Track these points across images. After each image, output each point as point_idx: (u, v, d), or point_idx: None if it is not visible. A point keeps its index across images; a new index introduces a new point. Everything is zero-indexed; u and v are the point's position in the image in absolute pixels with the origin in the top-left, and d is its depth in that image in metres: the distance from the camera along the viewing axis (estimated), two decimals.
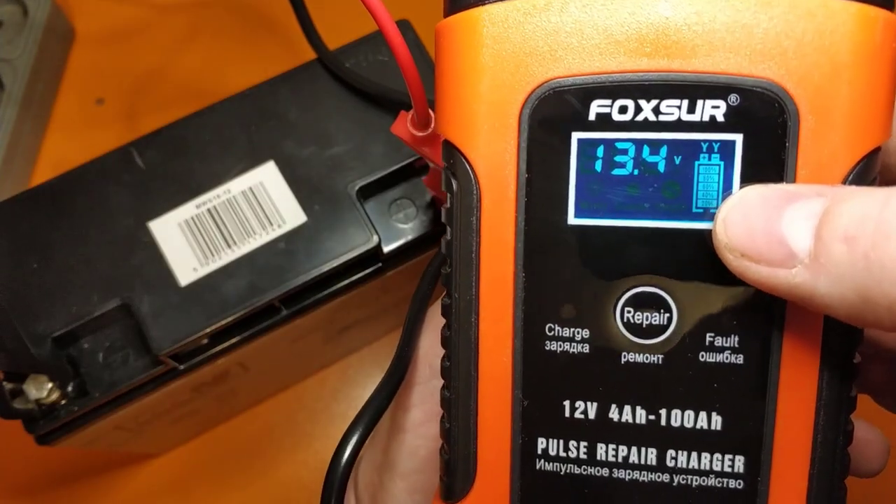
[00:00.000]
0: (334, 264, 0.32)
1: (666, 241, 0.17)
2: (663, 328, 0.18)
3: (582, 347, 0.18)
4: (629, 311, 0.18)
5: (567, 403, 0.18)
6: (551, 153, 0.17)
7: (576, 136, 0.17)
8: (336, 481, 0.21)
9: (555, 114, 0.17)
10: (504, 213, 0.18)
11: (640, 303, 0.18)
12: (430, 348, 0.25)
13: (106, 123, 0.50)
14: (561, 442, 0.18)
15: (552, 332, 0.18)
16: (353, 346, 0.46)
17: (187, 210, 0.32)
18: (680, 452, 0.18)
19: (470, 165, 0.18)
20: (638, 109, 0.17)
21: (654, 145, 0.17)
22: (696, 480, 0.18)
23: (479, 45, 0.17)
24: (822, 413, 0.17)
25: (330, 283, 0.33)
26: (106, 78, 0.51)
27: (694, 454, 0.18)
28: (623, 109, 0.17)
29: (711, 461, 0.18)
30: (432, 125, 0.25)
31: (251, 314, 0.32)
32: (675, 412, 0.18)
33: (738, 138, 0.17)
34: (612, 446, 0.18)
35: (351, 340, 0.44)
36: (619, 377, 0.18)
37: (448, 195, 0.19)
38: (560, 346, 0.18)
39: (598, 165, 0.17)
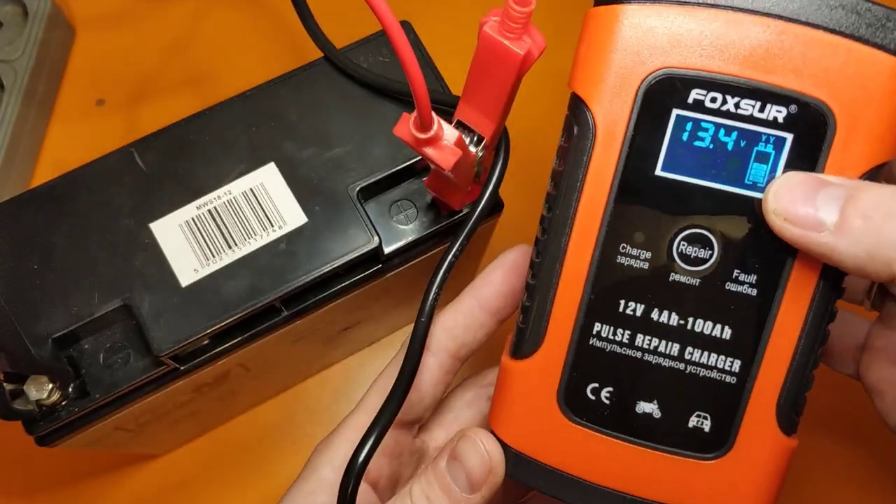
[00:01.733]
0: (335, 265, 0.32)
1: (721, 200, 0.23)
2: (705, 261, 0.24)
3: (643, 264, 0.24)
4: (683, 244, 0.24)
5: (622, 302, 0.24)
6: (654, 120, 0.23)
7: (675, 111, 0.23)
8: (352, 479, 0.26)
9: (664, 92, 0.23)
10: (609, 157, 0.24)
11: (692, 239, 0.24)
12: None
13: (107, 124, 0.50)
14: (611, 328, 0.24)
15: (624, 250, 0.24)
16: (355, 347, 0.46)
17: (188, 211, 0.32)
18: (696, 350, 0.24)
19: (591, 116, 0.23)
20: (724, 102, 0.23)
21: (729, 130, 0.23)
22: (703, 372, 0.24)
23: (618, 31, 0.23)
24: (802, 343, 0.23)
25: (330, 284, 0.33)
26: (106, 78, 0.51)
27: (705, 353, 0.24)
28: (714, 100, 0.23)
29: (717, 360, 0.24)
30: (434, 127, 0.25)
31: (252, 315, 0.32)
32: (699, 321, 0.24)
33: (790, 137, 0.22)
34: (647, 337, 0.24)
35: (352, 341, 0.44)
36: (664, 290, 0.24)
37: (565, 136, 0.24)
38: (627, 261, 0.24)
39: (685, 136, 0.23)
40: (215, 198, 0.32)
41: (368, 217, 0.33)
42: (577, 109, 0.24)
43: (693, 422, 0.24)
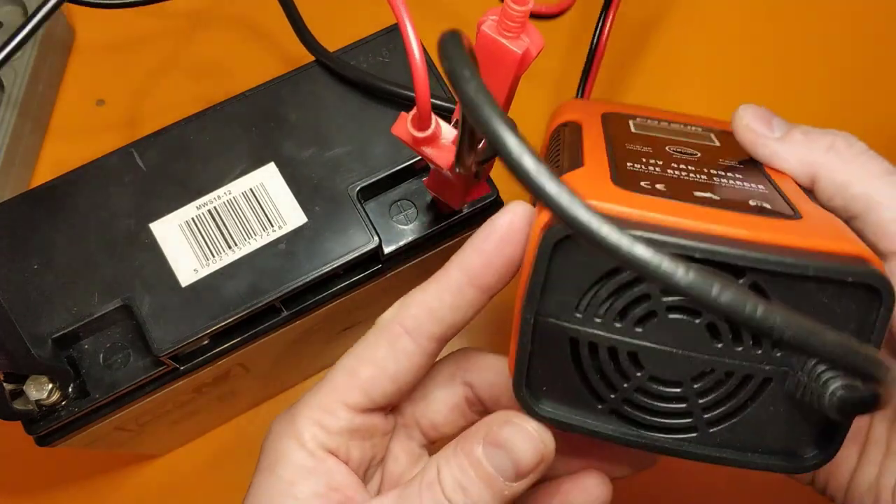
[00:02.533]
0: (335, 265, 0.32)
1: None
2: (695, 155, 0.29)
3: (653, 166, 0.28)
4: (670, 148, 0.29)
5: (643, 160, 0.28)
6: (617, 127, 0.31)
7: (630, 122, 0.32)
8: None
9: (612, 120, 0.32)
10: (597, 137, 0.29)
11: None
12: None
13: (106, 125, 0.50)
14: (641, 164, 0.27)
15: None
16: None
17: (188, 211, 0.32)
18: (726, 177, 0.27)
19: (579, 126, 0.31)
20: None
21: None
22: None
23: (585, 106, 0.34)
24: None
25: (330, 284, 0.33)
26: (106, 79, 0.51)
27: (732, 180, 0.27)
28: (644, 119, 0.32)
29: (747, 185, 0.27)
30: (432, 126, 0.25)
31: (252, 315, 0.32)
32: (715, 174, 0.27)
33: None
34: (678, 168, 0.27)
35: (352, 341, 0.44)
36: (669, 158, 0.28)
37: (558, 138, 0.31)
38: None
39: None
40: (215, 198, 0.32)
41: (368, 217, 0.33)
42: (568, 126, 0.32)
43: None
